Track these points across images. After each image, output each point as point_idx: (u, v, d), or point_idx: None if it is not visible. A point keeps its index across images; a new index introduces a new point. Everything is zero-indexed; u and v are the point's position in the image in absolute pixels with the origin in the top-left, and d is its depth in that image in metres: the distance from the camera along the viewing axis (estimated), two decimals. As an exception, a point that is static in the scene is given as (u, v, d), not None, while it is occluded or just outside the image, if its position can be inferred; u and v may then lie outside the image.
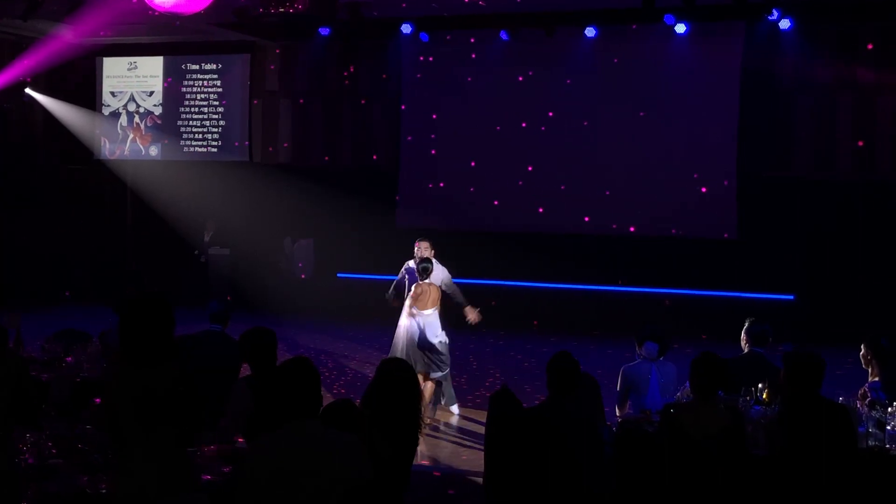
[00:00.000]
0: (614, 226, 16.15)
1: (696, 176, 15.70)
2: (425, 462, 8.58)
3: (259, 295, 16.57)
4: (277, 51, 18.42)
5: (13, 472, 4.76)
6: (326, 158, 18.21)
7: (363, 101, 17.90)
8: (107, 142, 19.35)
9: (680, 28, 15.36)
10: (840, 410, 5.73)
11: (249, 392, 5.97)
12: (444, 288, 10.36)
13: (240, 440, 5.71)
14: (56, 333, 8.59)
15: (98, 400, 5.29)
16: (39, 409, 5.47)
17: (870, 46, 15.14)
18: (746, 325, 7.49)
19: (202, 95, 18.75)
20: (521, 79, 16.57)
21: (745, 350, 7.41)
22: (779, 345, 7.38)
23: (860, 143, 15.25)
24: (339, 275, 17.57)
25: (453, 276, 10.63)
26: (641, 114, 15.92)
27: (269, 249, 18.16)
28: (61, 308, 16.26)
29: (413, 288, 10.22)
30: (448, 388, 10.37)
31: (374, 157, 17.90)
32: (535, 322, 16.10)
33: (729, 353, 6.73)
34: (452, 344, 10.46)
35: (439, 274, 10.37)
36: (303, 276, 18.07)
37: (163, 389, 4.31)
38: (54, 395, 6.89)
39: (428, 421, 9.51)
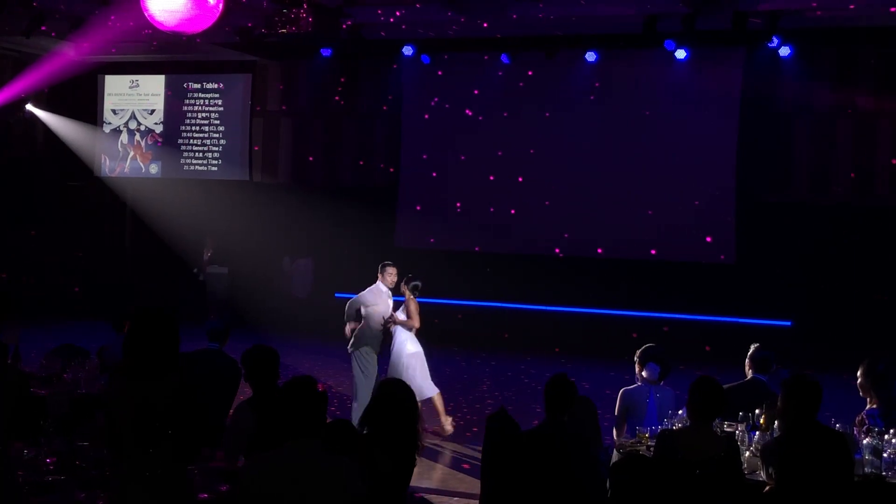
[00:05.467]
0: (613, 248, 16.18)
1: (694, 200, 15.74)
2: (421, 483, 8.56)
3: (257, 314, 16.54)
4: (278, 71, 18.49)
5: (13, 487, 4.76)
6: (326, 178, 18.25)
7: (363, 122, 17.97)
8: (107, 159, 19.39)
9: (680, 54, 15.41)
10: (837, 437, 5.72)
11: (251, 413, 5.96)
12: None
13: (241, 460, 5.70)
14: (54, 349, 8.57)
15: (98, 414, 5.29)
16: (38, 424, 5.46)
17: (868, 72, 15.26)
18: (751, 350, 7.49)
19: (203, 114, 18.80)
20: (521, 101, 16.64)
21: (749, 376, 7.40)
22: (777, 370, 7.37)
23: (855, 170, 15.34)
24: (336, 294, 17.55)
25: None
26: (641, 137, 15.98)
27: (267, 268, 18.17)
28: (60, 324, 16.22)
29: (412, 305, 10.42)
30: None
31: (374, 177, 17.94)
32: (557, 349, 15.92)
33: (726, 378, 6.72)
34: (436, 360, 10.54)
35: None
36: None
37: (163, 403, 4.33)
38: (52, 411, 6.87)
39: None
